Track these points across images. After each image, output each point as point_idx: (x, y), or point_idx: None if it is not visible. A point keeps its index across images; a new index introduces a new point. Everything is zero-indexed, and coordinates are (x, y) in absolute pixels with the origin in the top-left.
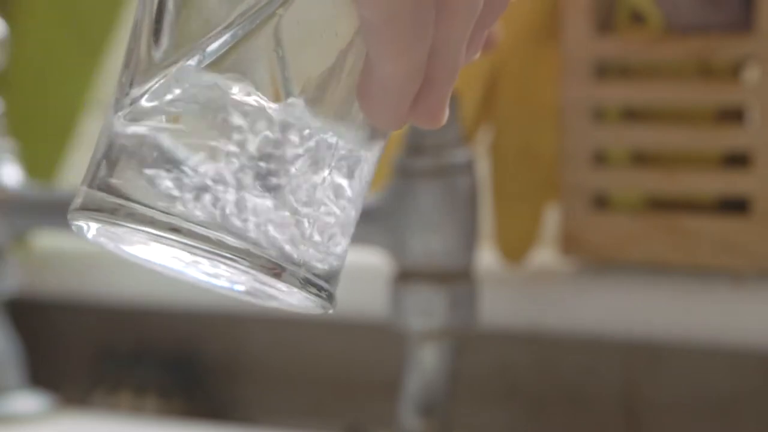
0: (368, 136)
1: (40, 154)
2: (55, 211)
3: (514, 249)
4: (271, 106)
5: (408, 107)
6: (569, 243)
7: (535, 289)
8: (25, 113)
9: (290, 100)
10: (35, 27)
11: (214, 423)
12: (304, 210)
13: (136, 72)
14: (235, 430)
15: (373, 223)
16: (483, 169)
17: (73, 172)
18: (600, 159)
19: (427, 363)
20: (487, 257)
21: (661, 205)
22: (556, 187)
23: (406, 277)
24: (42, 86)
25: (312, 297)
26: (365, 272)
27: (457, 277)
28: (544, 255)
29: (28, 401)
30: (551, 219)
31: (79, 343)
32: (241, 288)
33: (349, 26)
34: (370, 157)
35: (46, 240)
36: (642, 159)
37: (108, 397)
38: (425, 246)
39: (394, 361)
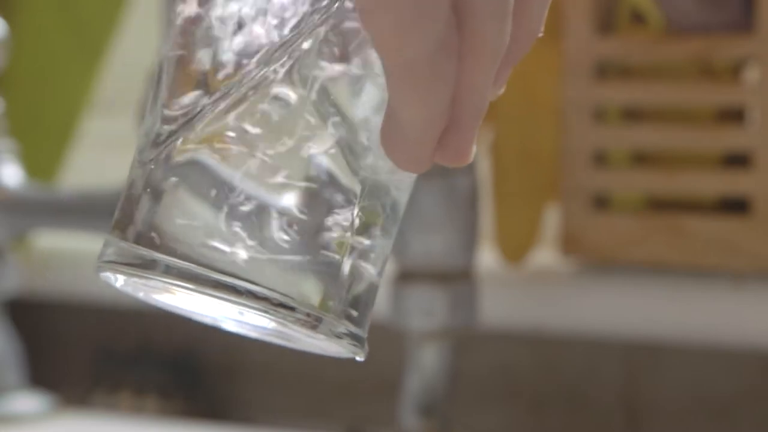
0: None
1: (40, 154)
2: (55, 211)
3: (514, 249)
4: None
5: (431, 150)
6: (569, 243)
7: (535, 289)
8: (25, 113)
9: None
10: (35, 27)
11: (214, 423)
12: (340, 251)
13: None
14: (235, 430)
15: None
16: (483, 169)
17: (73, 172)
18: (600, 159)
19: (427, 363)
20: (487, 257)
21: (661, 205)
22: (556, 187)
23: (406, 277)
24: (42, 86)
25: (346, 346)
26: None
27: (457, 277)
28: (544, 255)
29: (28, 401)
30: (551, 219)
31: (79, 343)
32: (274, 334)
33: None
34: (403, 192)
35: (46, 240)
36: (642, 159)
37: (108, 397)
38: (425, 246)
39: (394, 361)
